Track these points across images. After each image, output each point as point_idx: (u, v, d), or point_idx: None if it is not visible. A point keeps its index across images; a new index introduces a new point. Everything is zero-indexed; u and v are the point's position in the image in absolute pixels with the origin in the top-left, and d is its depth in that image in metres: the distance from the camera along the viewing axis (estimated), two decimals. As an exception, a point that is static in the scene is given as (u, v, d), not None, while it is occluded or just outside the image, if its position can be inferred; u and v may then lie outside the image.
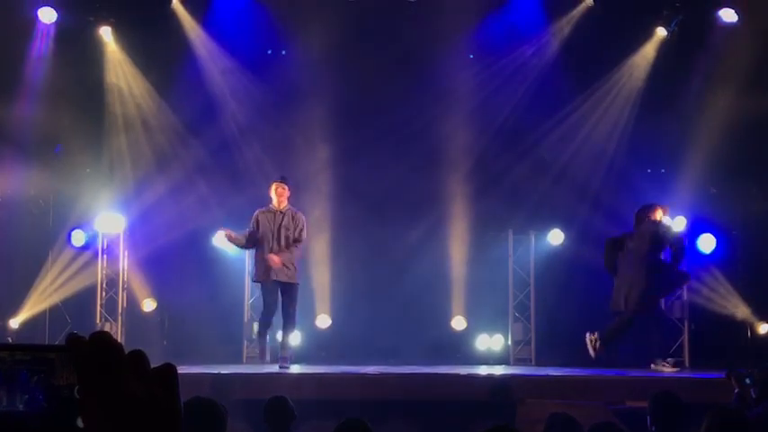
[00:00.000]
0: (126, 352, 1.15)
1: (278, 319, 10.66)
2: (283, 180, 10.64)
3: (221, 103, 13.23)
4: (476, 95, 13.17)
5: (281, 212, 10.53)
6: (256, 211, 10.59)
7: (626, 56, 13.21)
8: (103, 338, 1.14)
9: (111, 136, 13.21)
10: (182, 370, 8.79)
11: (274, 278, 10.42)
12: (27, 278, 12.73)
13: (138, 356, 1.15)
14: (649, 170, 13.02)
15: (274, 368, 10.59)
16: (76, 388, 1.13)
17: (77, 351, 1.13)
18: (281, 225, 10.49)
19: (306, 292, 12.75)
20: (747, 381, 6.89)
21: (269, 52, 13.35)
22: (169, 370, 1.17)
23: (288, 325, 10.62)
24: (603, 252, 10.85)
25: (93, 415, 1.12)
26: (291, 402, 6.34)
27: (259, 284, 10.77)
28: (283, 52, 13.31)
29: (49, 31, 12.93)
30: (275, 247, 10.44)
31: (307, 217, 10.79)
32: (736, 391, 7.06)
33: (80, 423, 1.13)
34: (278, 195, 10.52)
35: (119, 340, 1.13)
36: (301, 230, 10.55)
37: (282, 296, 10.55)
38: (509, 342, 12.80)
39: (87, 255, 12.83)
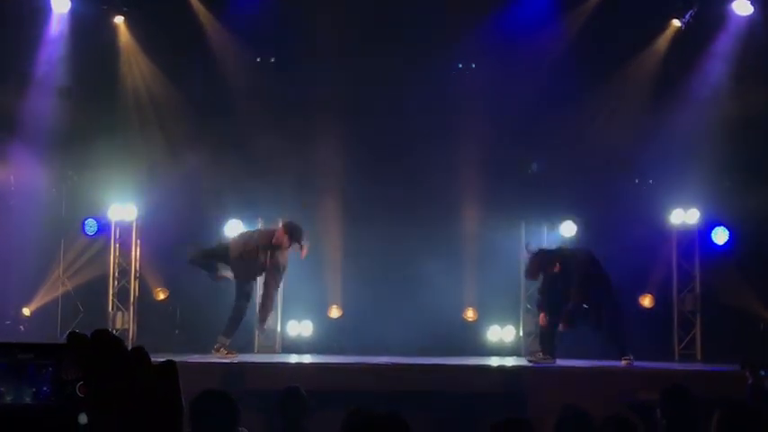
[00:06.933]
0: (131, 345, 1.17)
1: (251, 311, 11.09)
2: None
3: (235, 94, 13.22)
4: (488, 88, 13.11)
5: None
6: None
7: (640, 48, 13.17)
8: (104, 336, 1.16)
9: (124, 125, 13.24)
10: (193, 359, 8.77)
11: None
12: (40, 266, 12.78)
13: (139, 353, 1.17)
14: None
15: (287, 357, 10.62)
16: (79, 384, 1.15)
17: (79, 348, 1.15)
18: None
19: (318, 283, 12.80)
20: (762, 372, 6.89)
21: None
22: (170, 366, 1.19)
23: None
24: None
25: (97, 410, 1.14)
26: (305, 392, 6.34)
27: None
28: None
29: (63, 19, 12.94)
30: None
31: None
32: (749, 382, 7.05)
33: (83, 419, 1.14)
34: None
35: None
36: None
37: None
38: (521, 333, 12.81)
39: (100, 243, 12.86)
